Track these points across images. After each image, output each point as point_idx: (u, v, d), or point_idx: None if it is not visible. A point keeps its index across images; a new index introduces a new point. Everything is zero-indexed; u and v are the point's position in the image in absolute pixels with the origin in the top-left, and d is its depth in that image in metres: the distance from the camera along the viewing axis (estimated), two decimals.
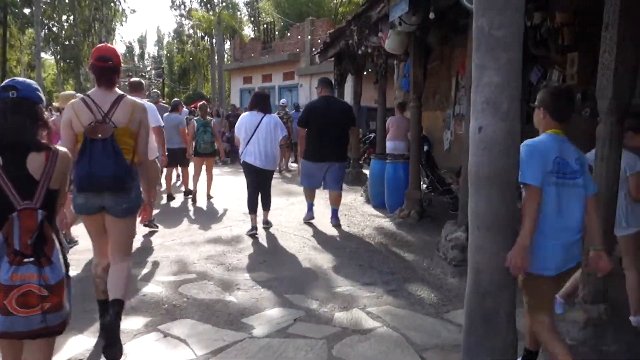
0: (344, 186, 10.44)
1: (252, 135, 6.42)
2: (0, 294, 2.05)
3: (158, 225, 6.93)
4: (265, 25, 28.74)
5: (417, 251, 5.99)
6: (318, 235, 6.79)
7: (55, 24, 34.76)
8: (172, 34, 50.13)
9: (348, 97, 14.49)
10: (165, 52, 60.43)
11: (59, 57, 35.51)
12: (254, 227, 6.62)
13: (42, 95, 2.42)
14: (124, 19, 37.68)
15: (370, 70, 11.70)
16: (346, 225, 7.31)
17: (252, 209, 6.68)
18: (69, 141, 3.32)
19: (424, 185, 8.70)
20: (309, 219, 7.33)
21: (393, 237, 6.65)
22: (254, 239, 6.49)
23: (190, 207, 8.73)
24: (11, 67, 40.62)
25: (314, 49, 21.08)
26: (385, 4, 6.60)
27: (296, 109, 14.83)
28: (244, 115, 6.79)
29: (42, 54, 41.81)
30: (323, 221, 7.52)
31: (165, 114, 8.72)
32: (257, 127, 6.44)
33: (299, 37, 22.15)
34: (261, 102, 6.65)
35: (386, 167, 7.84)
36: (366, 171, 11.96)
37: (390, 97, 16.86)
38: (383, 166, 8.21)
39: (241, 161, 6.69)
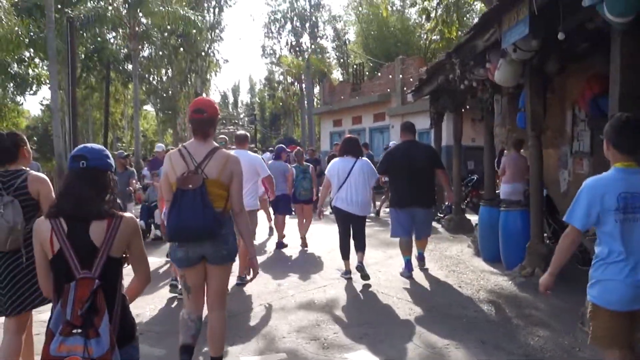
0: (447, 235, 9.56)
1: (345, 181, 6.32)
2: None
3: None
4: (354, 67, 28.47)
5: (551, 323, 4.88)
6: (425, 297, 5.85)
7: (155, 77, 36.52)
8: (263, 81, 51.49)
9: (445, 137, 13.54)
10: (257, 99, 62.42)
11: (158, 108, 37.11)
12: (348, 271, 6.58)
13: (111, 161, 2.40)
14: (217, 69, 38.94)
15: (468, 107, 10.77)
16: (457, 285, 6.32)
17: (345, 255, 6.57)
18: (166, 192, 3.47)
19: (545, 235, 7.52)
20: (406, 276, 6.74)
21: (517, 303, 5.56)
22: (352, 301, 5.68)
23: (282, 257, 8.14)
24: (116, 120, 43.36)
25: (405, 88, 20.35)
26: (496, 30, 5.73)
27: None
28: (337, 160, 6.63)
29: (145, 107, 44.35)
30: (429, 279, 6.59)
31: (270, 162, 8.74)
32: (350, 172, 6.32)
33: (390, 76, 21.52)
34: (353, 147, 6.55)
35: (501, 216, 6.79)
36: (470, 217, 10.91)
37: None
38: (495, 214, 7.17)
39: (332, 206, 6.63)
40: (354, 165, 6.34)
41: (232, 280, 5.75)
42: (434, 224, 10.97)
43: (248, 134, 7.28)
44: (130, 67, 32.19)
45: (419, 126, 18.83)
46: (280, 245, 8.97)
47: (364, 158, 6.60)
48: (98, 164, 2.31)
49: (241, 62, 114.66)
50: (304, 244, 8.97)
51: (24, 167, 3.45)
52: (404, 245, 6.79)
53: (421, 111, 19.40)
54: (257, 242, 8.49)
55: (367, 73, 27.27)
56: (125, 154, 8.26)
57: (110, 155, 2.41)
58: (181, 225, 3.26)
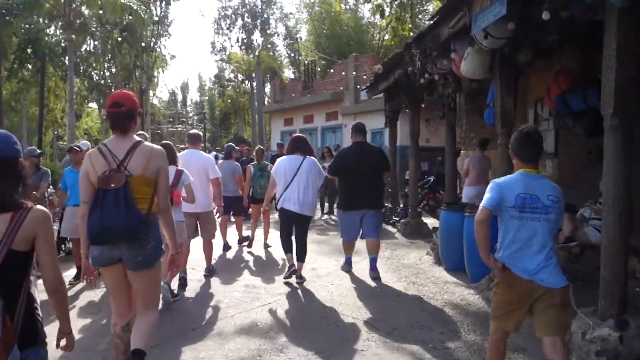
0: (404, 240, 8.93)
1: (292, 180, 6.18)
2: None
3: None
4: (305, 65, 27.73)
5: (528, 347, 4.23)
6: (384, 316, 5.13)
7: (97, 72, 34.74)
8: (212, 79, 50.08)
9: (400, 136, 12.96)
10: (206, 98, 60.81)
11: (101, 104, 35.33)
12: (292, 266, 6.36)
13: (19, 146, 2.24)
14: (164, 65, 37.42)
15: (423, 105, 10.20)
16: (418, 300, 5.65)
17: (288, 249, 6.42)
18: (86, 193, 3.24)
19: None
20: (346, 270, 6.90)
21: (487, 322, 4.90)
22: (301, 322, 4.92)
23: (228, 264, 7.28)
24: (56, 116, 41.10)
25: (359, 86, 19.76)
26: (465, 14, 5.08)
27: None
28: (283, 159, 6.49)
29: (91, 104, 42.23)
30: (388, 292, 5.91)
31: (220, 161, 8.54)
32: (298, 170, 6.18)
33: (343, 74, 20.87)
34: (300, 145, 6.41)
35: (465, 222, 6.16)
36: (427, 220, 10.33)
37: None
38: (458, 219, 6.56)
39: (278, 207, 6.39)
40: (301, 164, 6.19)
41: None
42: (390, 228, 10.37)
43: (201, 133, 7.15)
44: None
45: (372, 126, 18.42)
46: (242, 240, 8.88)
47: (312, 157, 6.43)
48: (7, 153, 2.15)
49: (190, 60, 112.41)
50: (266, 246, 8.79)
51: None
52: (347, 245, 6.88)
53: (374, 110, 18.87)
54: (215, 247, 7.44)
55: (319, 70, 26.57)
56: (39, 151, 7.13)
57: (17, 141, 2.24)
58: (103, 226, 3.07)
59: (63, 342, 2.36)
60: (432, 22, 6.18)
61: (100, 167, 3.19)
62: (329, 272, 6.98)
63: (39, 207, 2.18)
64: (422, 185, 12.66)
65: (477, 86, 7.22)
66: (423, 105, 13.34)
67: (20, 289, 2.08)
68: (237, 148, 10.74)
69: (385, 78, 9.63)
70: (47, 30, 24.58)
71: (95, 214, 3.11)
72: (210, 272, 6.77)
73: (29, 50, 22.82)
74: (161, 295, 4.39)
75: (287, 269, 6.47)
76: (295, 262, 6.34)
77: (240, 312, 5.34)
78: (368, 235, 6.72)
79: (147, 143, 3.36)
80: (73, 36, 18.88)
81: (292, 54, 39.56)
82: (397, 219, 10.84)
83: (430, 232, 9.71)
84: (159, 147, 3.42)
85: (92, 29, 24.42)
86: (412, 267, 7.20)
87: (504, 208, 3.05)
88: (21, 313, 2.06)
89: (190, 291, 6.13)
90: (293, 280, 6.37)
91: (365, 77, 18.58)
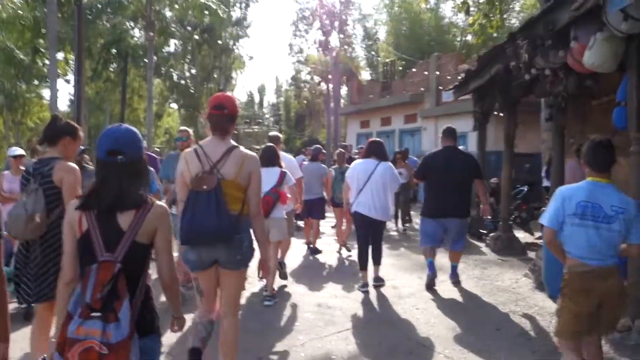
0: (494, 257, 8.01)
1: (365, 184, 6.03)
2: (66, 346, 1.95)
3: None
4: (384, 65, 26.83)
5: None
6: (485, 356, 4.25)
7: (177, 72, 35.42)
8: (289, 80, 50.06)
9: (488, 141, 11.92)
10: (282, 99, 61.07)
11: (180, 104, 36.03)
12: (366, 284, 6.23)
13: (142, 143, 2.30)
14: (242, 66, 37.68)
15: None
16: (524, 337, 4.72)
17: (364, 265, 6.26)
18: (182, 193, 3.28)
19: None
20: (430, 280, 6.37)
21: None
22: (380, 354, 4.17)
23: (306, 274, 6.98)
24: (139, 116, 42.43)
25: (441, 87, 18.70)
26: None
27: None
28: (357, 162, 6.49)
29: (172, 104, 43.30)
30: (483, 323, 5.02)
31: (306, 163, 8.56)
32: (371, 175, 6.04)
33: (425, 72, 19.76)
34: (376, 149, 6.27)
35: None
36: (518, 234, 9.24)
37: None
38: None
39: (352, 211, 6.28)
40: (375, 169, 6.05)
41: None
42: (477, 242, 9.39)
43: (280, 135, 7.17)
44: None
45: (458, 129, 17.29)
46: (315, 251, 8.50)
47: (387, 162, 6.27)
48: (135, 156, 2.22)
49: (268, 62, 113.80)
50: (346, 249, 8.59)
51: (59, 156, 3.36)
52: (428, 250, 6.48)
53: (457, 113, 17.73)
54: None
55: (398, 70, 25.59)
56: (82, 148, 6.57)
57: (140, 137, 2.29)
58: (195, 228, 3.12)
59: (175, 326, 2.50)
60: (546, 6, 5.22)
61: (194, 169, 3.22)
62: (411, 293, 6.18)
63: (161, 203, 2.25)
64: (514, 195, 11.52)
65: (592, 83, 6.15)
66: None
67: (140, 281, 2.15)
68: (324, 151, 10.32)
69: (478, 76, 8.66)
70: (130, 32, 25.05)
71: (188, 215, 3.15)
72: (282, 267, 6.65)
73: (113, 51, 23.36)
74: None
75: (360, 286, 6.27)
76: (366, 278, 6.24)
77: (312, 338, 4.64)
78: (452, 248, 6.55)
79: (241, 148, 3.34)
80: (152, 33, 18.99)
81: (370, 56, 38.75)
82: (485, 232, 9.83)
83: (523, 248, 8.68)
84: (252, 153, 3.40)
85: (172, 29, 24.59)
86: (509, 292, 6.23)
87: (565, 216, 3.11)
88: (139, 303, 2.13)
89: (256, 309, 5.50)
90: (372, 291, 6.16)
91: (449, 77, 17.50)
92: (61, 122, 3.47)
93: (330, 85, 33.47)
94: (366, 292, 6.09)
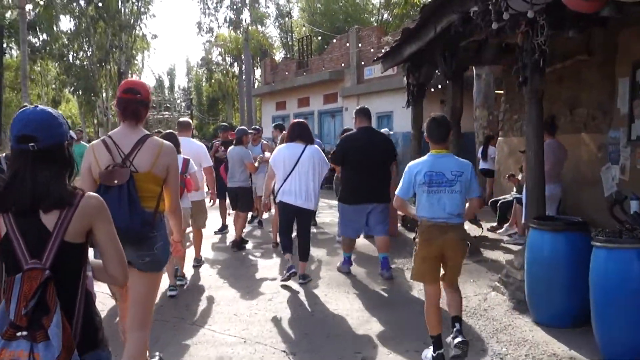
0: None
1: (292, 171, 5.68)
2: None
3: None
4: (300, 41, 24.93)
5: None
6: None
7: (73, 53, 31.82)
8: (199, 62, 47.08)
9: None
10: (193, 83, 57.80)
11: (74, 88, 32.42)
12: (292, 266, 5.73)
13: (65, 127, 1.93)
14: (145, 45, 34.45)
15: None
16: None
17: (288, 247, 5.89)
18: (88, 189, 2.53)
19: None
20: (345, 271, 6.21)
21: None
22: None
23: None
24: (33, 102, 38.13)
25: (363, 63, 17.12)
26: None
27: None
28: (282, 147, 6.05)
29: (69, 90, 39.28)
30: None
31: (230, 147, 7.99)
32: (298, 160, 5.70)
33: (346, 46, 18.03)
34: (302, 131, 5.92)
35: (597, 257, 3.56)
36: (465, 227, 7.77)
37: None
38: (562, 246, 4.06)
39: (277, 200, 5.98)
40: (302, 153, 5.71)
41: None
42: (408, 233, 7.93)
43: (190, 121, 7.31)
44: (34, 39, 27.59)
45: (377, 109, 15.79)
46: (239, 245, 7.66)
47: (314, 145, 5.96)
48: (53, 141, 1.86)
49: (177, 44, 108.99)
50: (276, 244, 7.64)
51: None
52: (347, 242, 6.25)
53: (381, 91, 16.30)
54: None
55: (315, 48, 23.85)
56: None
57: (63, 118, 1.93)
58: None
59: None
60: None
61: (103, 162, 2.97)
62: (347, 312, 4.47)
63: (92, 194, 1.96)
64: None
65: (576, 33, 4.64)
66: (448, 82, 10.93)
67: (78, 287, 1.87)
68: (251, 131, 9.45)
69: (416, 37, 7.03)
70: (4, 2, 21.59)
71: None
72: (199, 262, 6.65)
73: None
74: None
75: (285, 270, 5.80)
76: (292, 261, 5.83)
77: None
78: (377, 233, 6.13)
79: (156, 137, 3.14)
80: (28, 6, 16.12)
81: (284, 36, 36.69)
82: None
83: (478, 247, 7.21)
84: (168, 142, 3.16)
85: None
86: (478, 316, 4.66)
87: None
88: (81, 313, 1.85)
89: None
90: (292, 283, 5.75)
91: (372, 50, 15.94)
92: None
93: (243, 67, 31.28)
94: (294, 274, 5.69)
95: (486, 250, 7.20)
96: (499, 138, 10.40)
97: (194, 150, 6.23)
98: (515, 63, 5.10)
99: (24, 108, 1.91)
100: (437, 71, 8.05)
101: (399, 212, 7.17)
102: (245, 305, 5.18)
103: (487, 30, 4.84)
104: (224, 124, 9.19)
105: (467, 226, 7.90)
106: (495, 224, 8.57)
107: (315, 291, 5.59)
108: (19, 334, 1.68)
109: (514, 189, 8.46)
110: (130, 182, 2.88)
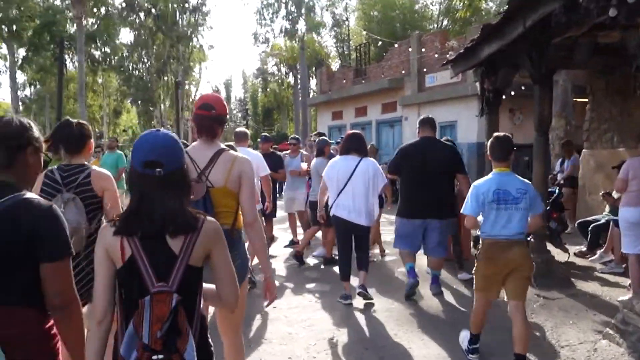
0: (532, 294, 5.55)
1: (346, 184, 5.36)
2: None
3: None
4: (357, 48, 24.18)
5: None
6: None
7: (132, 64, 32.35)
8: (255, 72, 47.18)
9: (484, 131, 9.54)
10: (249, 94, 58.17)
11: (133, 99, 32.90)
12: (348, 295, 5.44)
13: (182, 150, 1.95)
14: (202, 56, 34.67)
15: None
16: None
17: (345, 275, 5.49)
18: None
19: None
20: (410, 284, 5.60)
21: None
22: None
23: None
24: (94, 113, 39.06)
25: (425, 70, 16.23)
26: None
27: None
28: (336, 160, 5.74)
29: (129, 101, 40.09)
30: None
31: (314, 160, 7.57)
32: (352, 174, 5.37)
33: (409, 50, 17.09)
34: (356, 143, 5.56)
35: None
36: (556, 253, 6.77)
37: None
38: None
39: (331, 214, 5.58)
40: (357, 166, 5.41)
41: None
42: None
43: (247, 131, 7.08)
44: (95, 51, 28.07)
45: (440, 118, 14.87)
46: (299, 258, 7.32)
47: (370, 158, 5.67)
48: (176, 166, 1.90)
49: (234, 56, 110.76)
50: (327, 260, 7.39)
51: (86, 162, 3.23)
52: (405, 254, 5.82)
53: (443, 99, 15.35)
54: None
55: (374, 57, 23.06)
56: None
57: (181, 144, 1.96)
58: None
59: None
60: None
61: None
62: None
63: (210, 218, 1.97)
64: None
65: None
66: (522, 89, 10.00)
67: (195, 311, 1.88)
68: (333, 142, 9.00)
69: (496, 36, 6.15)
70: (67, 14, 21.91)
71: None
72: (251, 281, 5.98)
73: (45, 36, 20.24)
74: None
75: (341, 297, 5.53)
76: (349, 289, 5.55)
77: None
78: (432, 254, 5.76)
79: (231, 151, 3.06)
80: (81, 12, 16.09)
81: (340, 45, 36.12)
82: None
83: (568, 277, 6.22)
84: (243, 155, 3.08)
85: (114, 11, 21.57)
86: None
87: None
88: (197, 337, 1.84)
89: None
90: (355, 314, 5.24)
91: (436, 56, 15.02)
92: (77, 125, 3.24)
93: (298, 76, 30.88)
94: (349, 305, 5.40)
95: (578, 280, 6.20)
96: (584, 150, 9.29)
97: (253, 160, 5.84)
98: (623, 64, 4.18)
99: (148, 132, 1.94)
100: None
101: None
102: (302, 346, 4.42)
103: (599, 18, 3.95)
104: (264, 134, 9.07)
105: (553, 250, 6.97)
106: (583, 248, 7.51)
107: (383, 329, 4.81)
108: (154, 357, 1.67)
109: (607, 209, 7.38)
110: (207, 198, 2.88)
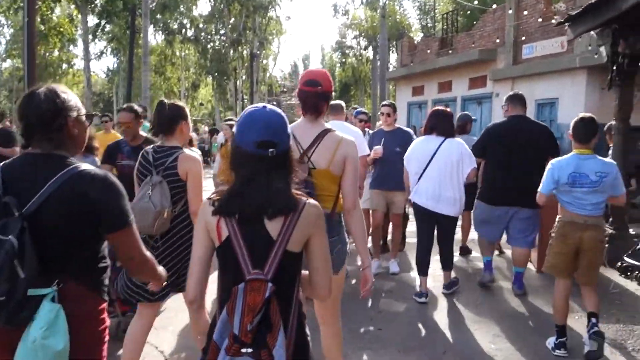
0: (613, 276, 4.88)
1: (426, 168, 4.96)
2: None
3: None
4: (443, 18, 22.12)
5: None
6: None
7: (208, 35, 31.77)
8: (333, 45, 45.78)
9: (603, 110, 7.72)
10: (327, 69, 57.02)
11: (207, 70, 32.39)
12: (423, 293, 5.07)
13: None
14: (279, 29, 33.61)
15: None
16: None
17: (423, 270, 5.14)
18: None
19: None
20: (487, 281, 5.43)
21: None
22: None
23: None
24: (172, 86, 39.17)
25: (524, 37, 14.18)
26: None
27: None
28: (417, 141, 5.31)
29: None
30: None
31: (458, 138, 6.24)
32: (433, 157, 4.96)
33: (509, 12, 14.89)
34: (438, 122, 5.11)
35: None
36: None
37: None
38: None
39: (411, 202, 5.27)
40: (438, 148, 4.93)
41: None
42: (616, 276, 5.68)
43: (343, 103, 6.05)
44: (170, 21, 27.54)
45: (538, 95, 12.87)
46: (465, 250, 6.87)
47: (456, 139, 5.08)
48: (286, 146, 1.84)
49: (313, 31, 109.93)
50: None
51: (179, 145, 3.16)
52: (484, 244, 5.60)
53: (542, 73, 13.33)
54: None
55: (462, 27, 20.96)
56: None
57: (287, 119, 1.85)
58: None
59: None
60: None
61: None
62: None
63: (313, 201, 1.86)
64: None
65: None
66: None
67: (293, 300, 1.80)
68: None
69: None
70: None
71: None
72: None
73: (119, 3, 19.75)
74: None
75: (415, 294, 5.13)
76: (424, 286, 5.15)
77: None
78: (517, 243, 5.34)
79: (336, 132, 2.89)
80: None
81: (423, 17, 33.91)
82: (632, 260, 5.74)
83: None
84: (349, 137, 2.92)
85: None
86: None
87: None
88: (294, 328, 1.77)
89: None
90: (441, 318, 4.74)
91: (540, 20, 12.95)
92: (170, 106, 3.19)
93: (378, 49, 29.12)
94: (423, 303, 5.05)
95: None
96: None
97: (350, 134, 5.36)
98: None
99: (255, 108, 1.83)
100: None
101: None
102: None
103: None
104: (359, 109, 7.84)
105: None
106: None
107: (481, 338, 4.26)
108: (243, 350, 1.60)
109: None
110: (309, 180, 2.71)
